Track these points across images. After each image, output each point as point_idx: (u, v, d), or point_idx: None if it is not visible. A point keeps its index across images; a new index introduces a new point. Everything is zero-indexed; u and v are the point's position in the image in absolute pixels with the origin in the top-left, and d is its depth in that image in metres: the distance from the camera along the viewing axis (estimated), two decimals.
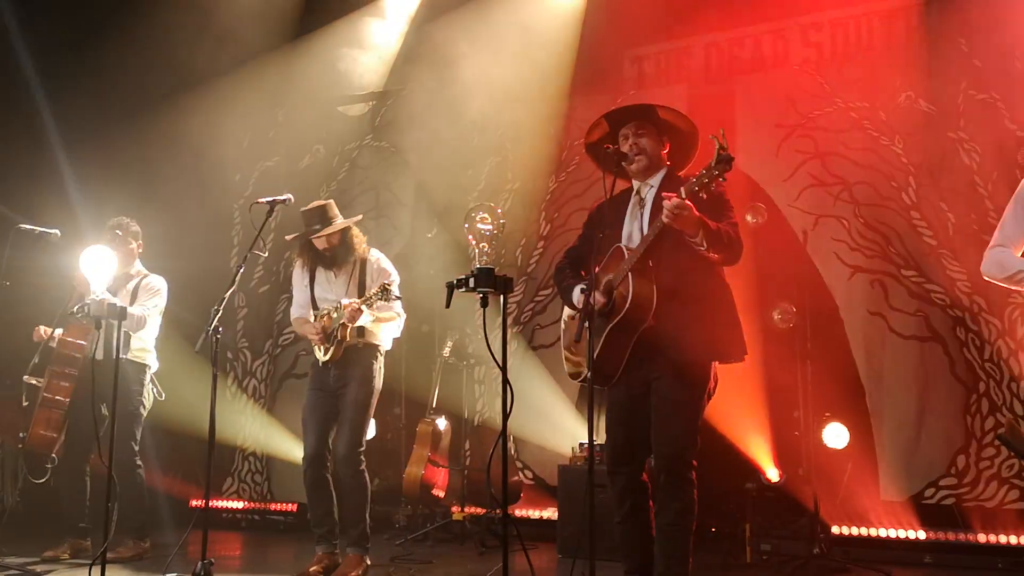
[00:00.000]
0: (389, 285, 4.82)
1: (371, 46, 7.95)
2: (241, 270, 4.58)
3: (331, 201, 5.24)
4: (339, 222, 5.13)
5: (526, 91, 7.31)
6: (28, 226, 5.31)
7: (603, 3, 7.02)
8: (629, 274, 3.65)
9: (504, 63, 7.14)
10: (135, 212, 6.02)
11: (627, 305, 3.63)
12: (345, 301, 4.96)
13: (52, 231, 5.40)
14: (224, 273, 7.81)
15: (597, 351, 3.64)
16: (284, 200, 4.70)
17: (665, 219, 3.48)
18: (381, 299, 4.82)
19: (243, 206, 8.27)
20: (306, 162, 8.27)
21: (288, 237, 5.28)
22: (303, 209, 5.15)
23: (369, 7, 7.96)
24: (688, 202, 3.45)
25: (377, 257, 5.26)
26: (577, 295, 3.91)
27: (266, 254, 7.44)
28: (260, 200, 4.71)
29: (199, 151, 7.78)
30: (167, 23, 7.46)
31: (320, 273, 5.22)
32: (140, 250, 5.82)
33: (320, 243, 5.13)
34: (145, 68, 7.67)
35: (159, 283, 5.78)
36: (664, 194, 3.53)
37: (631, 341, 3.71)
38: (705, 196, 3.50)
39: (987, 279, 3.72)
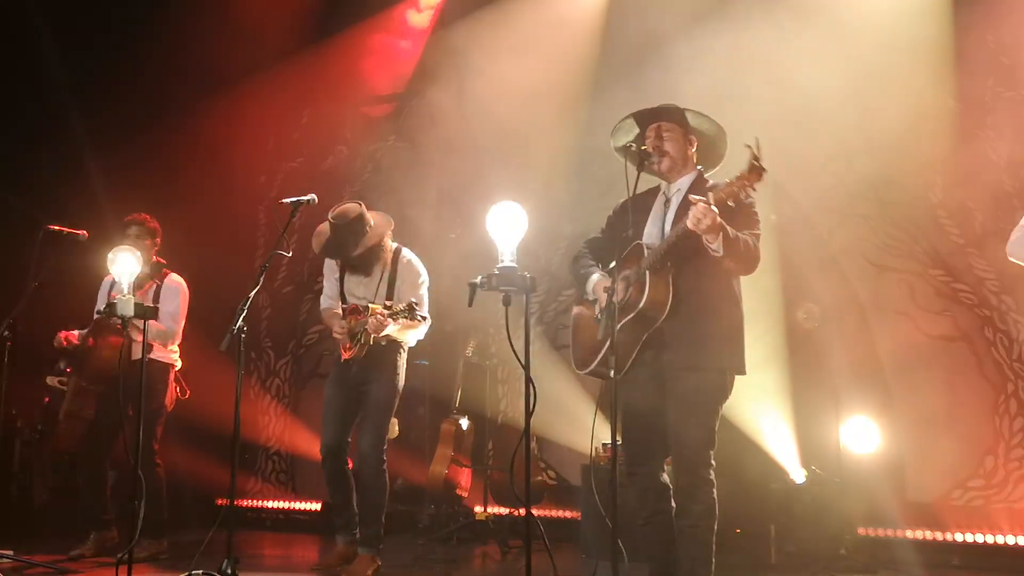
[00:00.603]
0: (417, 305, 4.79)
1: (393, 48, 7.98)
2: (265, 270, 4.60)
3: (362, 208, 5.12)
4: (369, 237, 5.05)
5: (549, 92, 7.30)
6: (56, 227, 5.36)
7: (627, 3, 6.99)
8: (647, 272, 3.63)
9: (527, 64, 7.13)
10: (161, 213, 6.04)
11: (642, 303, 3.61)
12: (373, 305, 4.95)
13: (80, 232, 5.45)
14: (249, 273, 7.85)
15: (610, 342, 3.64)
16: (308, 200, 4.71)
17: (690, 224, 3.45)
18: (406, 317, 4.79)
19: (268, 207, 8.33)
20: (330, 163, 8.31)
21: (317, 251, 5.21)
22: (333, 221, 5.07)
23: (390, 9, 8.00)
24: (714, 208, 3.41)
25: (408, 258, 5.22)
26: (592, 283, 3.90)
27: (290, 254, 7.43)
28: (284, 200, 4.73)
29: (224, 153, 7.83)
30: (193, 24, 7.51)
31: (350, 272, 5.21)
32: (158, 248, 5.76)
33: (350, 251, 5.08)
34: (171, 69, 7.73)
35: (180, 287, 5.70)
36: (692, 197, 3.49)
37: (641, 337, 3.70)
38: (733, 204, 3.45)
39: (1012, 260, 3.67)
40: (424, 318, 4.93)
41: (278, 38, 7.54)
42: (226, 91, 7.60)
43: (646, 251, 3.71)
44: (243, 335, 4.31)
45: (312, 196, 4.73)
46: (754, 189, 3.40)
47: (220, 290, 6.93)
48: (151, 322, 5.33)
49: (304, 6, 7.68)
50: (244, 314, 4.32)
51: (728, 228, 3.50)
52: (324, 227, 5.21)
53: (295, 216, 4.72)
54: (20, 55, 7.69)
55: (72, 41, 7.76)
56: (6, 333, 5.13)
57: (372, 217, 5.15)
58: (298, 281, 8.20)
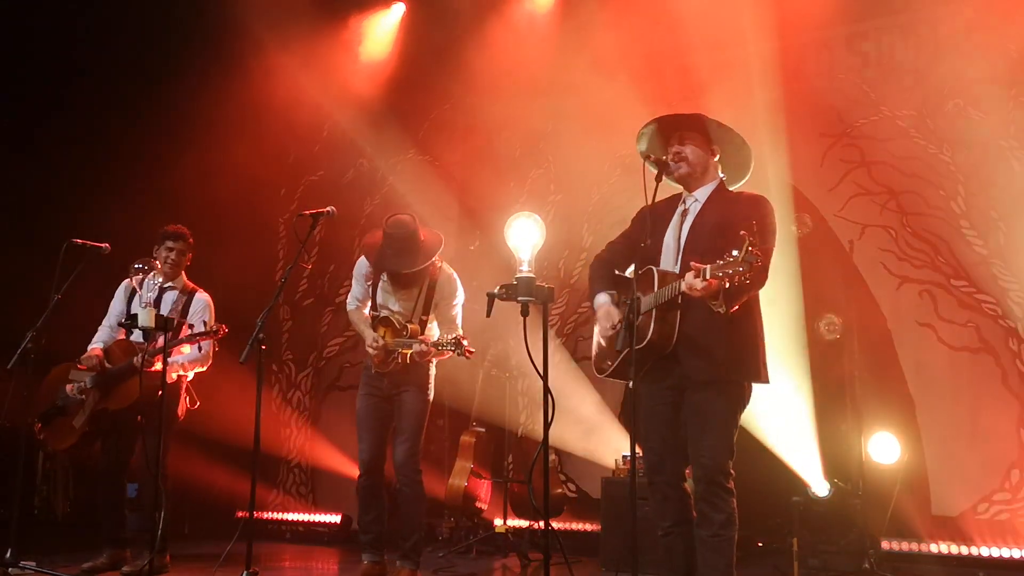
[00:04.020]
0: (463, 339, 4.76)
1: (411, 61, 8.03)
2: (285, 282, 4.62)
3: (416, 223, 5.05)
4: (424, 255, 4.98)
5: (568, 102, 7.32)
6: (79, 241, 5.40)
7: (648, 13, 7.00)
8: (653, 311, 3.62)
9: (546, 74, 7.15)
10: (183, 226, 6.08)
11: (646, 341, 3.62)
12: (413, 326, 4.95)
13: (102, 245, 5.48)
14: (269, 286, 7.90)
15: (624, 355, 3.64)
16: (327, 212, 4.73)
17: (684, 289, 3.44)
18: (451, 350, 4.77)
19: (288, 220, 8.38)
20: (350, 175, 8.35)
21: (369, 260, 5.14)
22: (388, 230, 5.01)
23: (409, 22, 8.06)
24: (708, 284, 3.32)
25: (449, 273, 5.16)
26: (597, 304, 3.88)
27: (310, 267, 7.48)
28: (304, 213, 4.75)
29: (245, 165, 7.88)
30: (215, 37, 7.57)
31: (387, 281, 5.16)
32: (188, 263, 5.75)
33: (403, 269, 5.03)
34: (191, 82, 7.80)
35: (208, 303, 5.65)
36: (693, 264, 3.39)
37: (651, 358, 3.70)
38: (728, 286, 3.35)
39: None
40: (472, 352, 4.87)
41: (298, 51, 7.60)
42: (246, 103, 7.66)
43: (656, 281, 3.67)
44: (263, 347, 4.33)
45: (331, 208, 4.74)
46: (747, 280, 3.25)
47: (240, 303, 6.95)
48: (188, 346, 5.35)
49: (325, 19, 7.74)
50: (263, 325, 4.33)
51: (726, 282, 3.33)
52: (374, 238, 5.19)
53: (315, 229, 4.74)
54: (43, 67, 7.77)
55: (95, 55, 7.83)
56: (29, 346, 5.16)
57: (423, 233, 5.09)
58: (318, 293, 8.23)
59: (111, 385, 5.38)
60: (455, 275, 5.19)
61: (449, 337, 4.81)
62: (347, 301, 5.39)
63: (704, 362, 3.63)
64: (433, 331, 5.11)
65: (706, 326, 3.63)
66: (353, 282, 5.34)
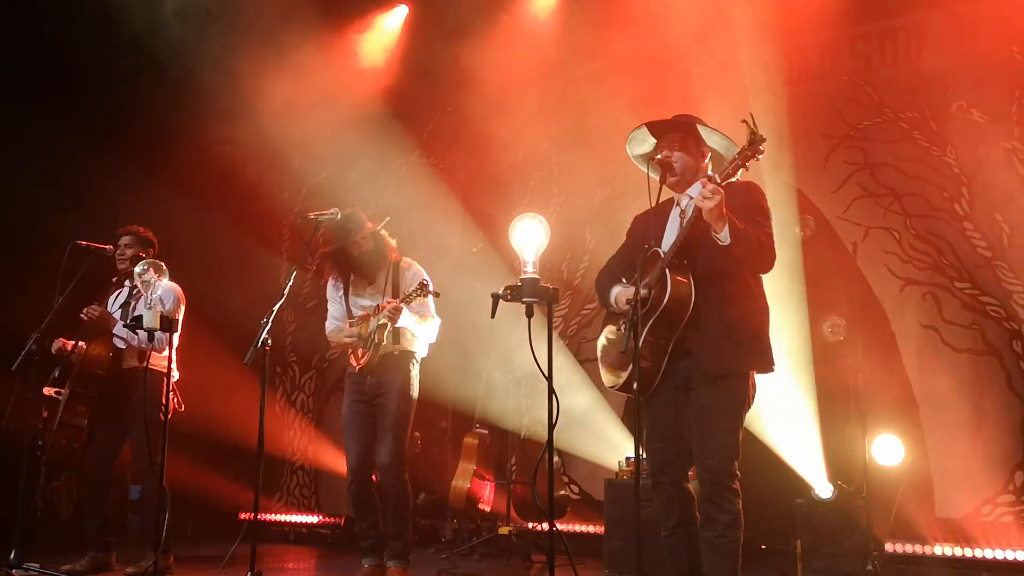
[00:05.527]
0: (426, 283, 4.86)
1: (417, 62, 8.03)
2: (290, 284, 4.63)
3: (357, 207, 5.23)
4: (370, 226, 5.15)
5: (569, 105, 7.32)
6: (83, 243, 5.40)
7: (650, 16, 7.00)
8: (666, 270, 3.60)
9: (547, 77, 7.16)
10: (185, 230, 6.08)
11: (665, 299, 3.55)
12: (383, 302, 4.98)
13: (105, 247, 5.49)
14: (273, 289, 7.91)
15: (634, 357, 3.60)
16: (331, 214, 4.74)
17: (696, 202, 3.43)
18: (419, 295, 4.83)
19: (292, 223, 8.39)
20: (353, 178, 8.35)
21: (321, 251, 5.24)
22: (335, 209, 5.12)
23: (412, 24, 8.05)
24: (720, 189, 3.39)
25: (410, 262, 5.26)
26: (614, 294, 3.87)
27: (314, 268, 7.46)
28: (308, 215, 4.76)
29: (248, 169, 7.89)
30: (215, 42, 7.58)
31: (355, 283, 5.24)
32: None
33: (354, 249, 5.14)
34: (195, 84, 7.80)
35: (169, 294, 5.47)
36: (701, 180, 3.50)
37: (670, 343, 3.64)
38: (737, 178, 3.47)
39: None
40: (437, 294, 4.96)
41: (301, 52, 7.60)
42: (248, 105, 7.66)
43: (663, 255, 3.69)
44: (267, 349, 4.33)
45: (335, 210, 4.76)
46: (759, 158, 3.41)
47: (245, 305, 6.97)
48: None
49: (328, 21, 7.74)
50: (268, 327, 4.33)
51: (734, 219, 3.47)
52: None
53: (319, 231, 4.75)
54: (44, 67, 7.78)
55: (94, 56, 7.83)
56: (33, 347, 5.16)
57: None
58: (322, 295, 8.19)
59: (74, 365, 5.37)
60: (415, 263, 5.26)
61: (413, 286, 4.88)
62: (326, 326, 5.38)
63: (716, 352, 3.61)
64: (407, 320, 5.03)
65: (718, 305, 3.62)
66: (328, 305, 5.37)
